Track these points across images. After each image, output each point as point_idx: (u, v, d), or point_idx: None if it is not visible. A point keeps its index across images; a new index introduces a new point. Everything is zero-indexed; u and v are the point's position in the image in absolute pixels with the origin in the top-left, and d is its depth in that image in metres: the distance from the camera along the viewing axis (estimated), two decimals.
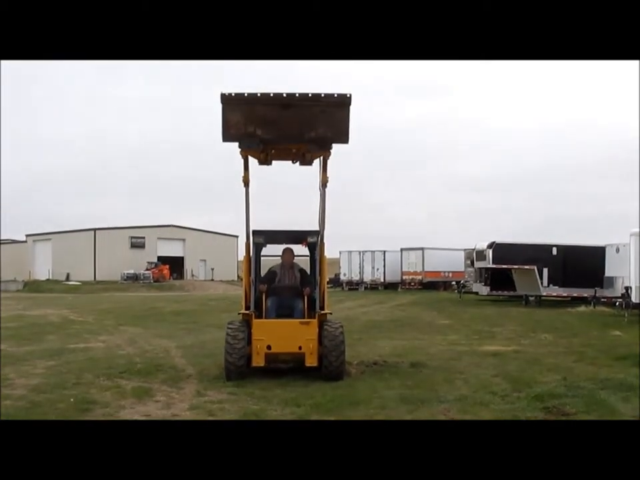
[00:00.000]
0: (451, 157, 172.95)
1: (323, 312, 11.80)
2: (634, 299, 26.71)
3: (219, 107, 10.85)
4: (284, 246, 12.66)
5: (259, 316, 11.76)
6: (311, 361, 11.40)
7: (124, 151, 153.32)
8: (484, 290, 40.10)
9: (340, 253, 62.32)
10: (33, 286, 69.39)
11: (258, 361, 11.40)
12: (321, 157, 11.70)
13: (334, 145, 11.37)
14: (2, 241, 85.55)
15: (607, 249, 32.88)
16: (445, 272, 58.02)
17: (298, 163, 12.02)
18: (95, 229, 77.89)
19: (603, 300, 31.79)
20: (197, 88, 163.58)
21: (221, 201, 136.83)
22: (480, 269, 40.00)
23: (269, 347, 11.35)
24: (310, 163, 11.88)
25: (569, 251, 36.50)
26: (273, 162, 12.12)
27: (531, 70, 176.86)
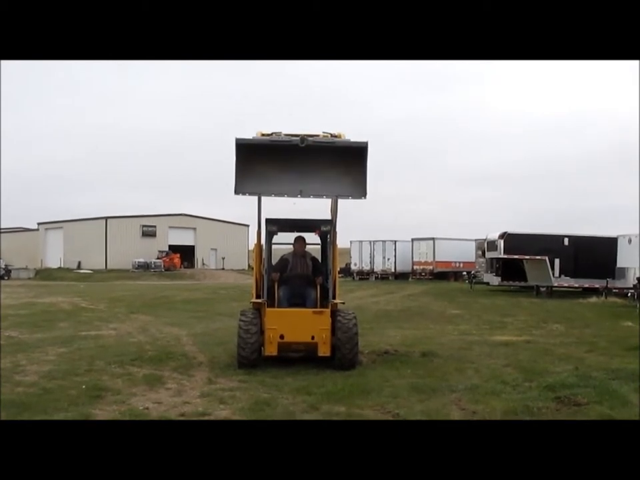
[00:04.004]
0: (460, 150, 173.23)
1: (335, 301, 11.78)
2: None
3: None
4: (294, 235, 12.60)
5: (271, 305, 11.73)
6: (324, 351, 11.37)
7: (137, 144, 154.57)
8: (495, 280, 40.04)
9: (351, 242, 62.27)
10: (44, 274, 69.76)
11: (271, 350, 11.37)
12: None
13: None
14: (14, 229, 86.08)
15: (619, 240, 32.70)
16: (455, 262, 57.90)
17: None
18: (106, 218, 78.04)
19: (614, 291, 31.62)
20: (208, 83, 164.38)
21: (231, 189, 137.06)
22: (491, 259, 39.92)
23: (281, 337, 11.31)
24: None
25: (580, 242, 36.31)
26: None
27: (538, 66, 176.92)
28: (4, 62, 18.96)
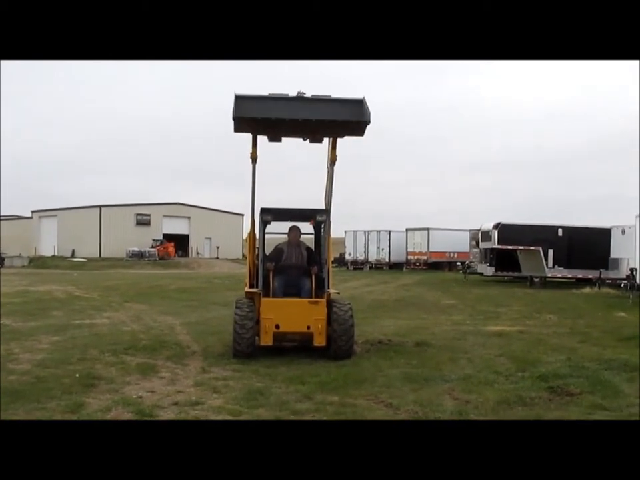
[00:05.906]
0: (459, 139, 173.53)
1: (330, 291, 11.75)
2: (639, 280, 26.73)
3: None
4: (288, 224, 12.52)
5: (266, 294, 11.69)
6: (320, 341, 11.37)
7: (131, 132, 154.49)
8: (489, 270, 40.07)
9: (345, 232, 62.38)
10: (38, 262, 69.63)
11: (266, 340, 11.35)
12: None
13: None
14: (7, 217, 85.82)
15: (612, 231, 32.82)
16: (450, 252, 57.99)
17: (308, 140, 11.77)
18: (100, 206, 77.92)
19: (607, 281, 31.70)
20: (208, 82, 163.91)
21: (227, 178, 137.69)
22: (485, 249, 39.95)
23: (277, 326, 11.29)
24: (320, 141, 11.55)
25: (574, 233, 36.41)
26: (283, 139, 11.69)
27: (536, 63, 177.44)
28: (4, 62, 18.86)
